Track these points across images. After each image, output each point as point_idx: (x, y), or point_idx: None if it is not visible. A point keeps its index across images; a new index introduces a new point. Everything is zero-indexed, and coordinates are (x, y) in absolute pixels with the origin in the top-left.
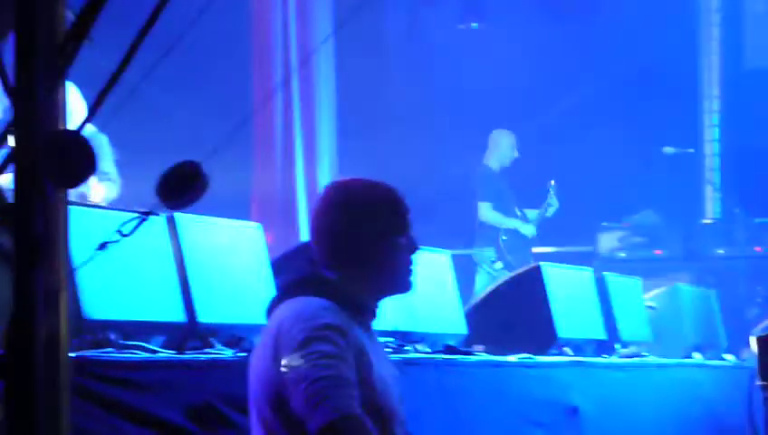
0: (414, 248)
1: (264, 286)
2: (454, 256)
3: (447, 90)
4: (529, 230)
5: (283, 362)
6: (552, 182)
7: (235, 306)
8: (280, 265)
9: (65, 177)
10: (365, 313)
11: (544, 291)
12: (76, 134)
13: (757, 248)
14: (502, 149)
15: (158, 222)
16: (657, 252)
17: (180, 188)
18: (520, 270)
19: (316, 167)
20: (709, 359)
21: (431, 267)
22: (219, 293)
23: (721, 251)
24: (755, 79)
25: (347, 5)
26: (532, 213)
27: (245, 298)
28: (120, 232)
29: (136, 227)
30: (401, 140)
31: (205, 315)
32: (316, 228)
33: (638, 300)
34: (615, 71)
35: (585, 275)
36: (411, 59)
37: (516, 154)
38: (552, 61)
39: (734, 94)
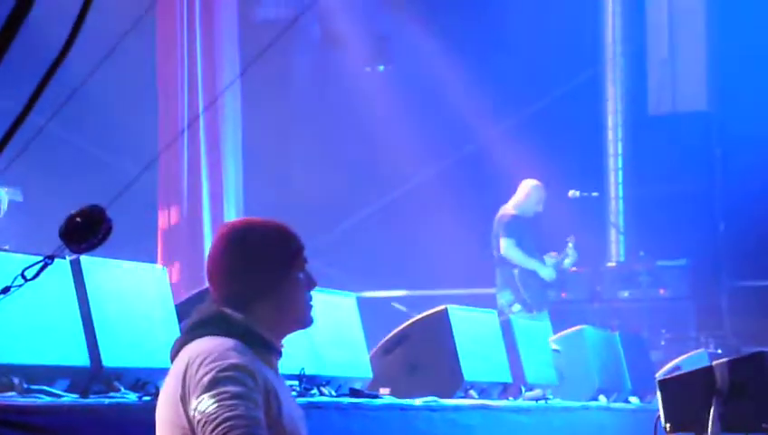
0: (312, 284)
1: (169, 329)
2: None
3: (355, 131)
4: (548, 273)
5: (191, 404)
6: (573, 238)
7: (141, 350)
8: (184, 308)
9: None
10: (271, 351)
11: (450, 334)
12: None
13: (661, 291)
14: (530, 200)
15: (61, 265)
16: (563, 295)
17: (85, 233)
18: (426, 312)
19: (223, 207)
20: (614, 402)
21: (336, 310)
22: (124, 336)
23: (625, 294)
24: (658, 124)
25: (254, 47)
26: (549, 261)
27: (150, 341)
28: (23, 276)
29: (40, 271)
30: (309, 181)
31: (109, 359)
32: (213, 270)
33: (543, 343)
34: (518, 111)
35: (491, 317)
36: (318, 100)
37: (541, 209)
38: (454, 100)
39: (637, 139)
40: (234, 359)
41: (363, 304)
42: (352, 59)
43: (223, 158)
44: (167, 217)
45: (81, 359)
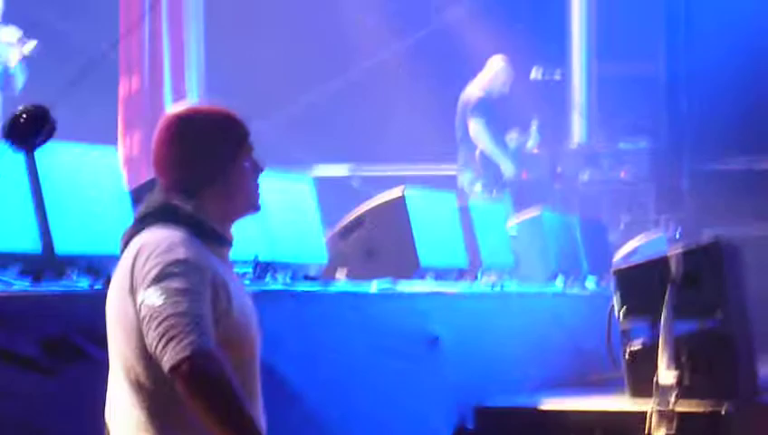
0: (258, 170)
1: (122, 215)
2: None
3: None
4: (508, 169)
5: (138, 296)
6: (536, 119)
7: (93, 236)
8: (138, 194)
9: None
10: (221, 241)
11: (407, 219)
12: None
13: (622, 173)
14: (498, 80)
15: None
16: (524, 175)
17: (28, 133)
18: (383, 196)
19: (184, 76)
20: (571, 284)
21: (292, 194)
22: (76, 222)
23: (586, 175)
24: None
25: None
26: (510, 143)
27: (103, 228)
28: None
29: None
30: (272, 52)
31: (61, 245)
32: (159, 159)
33: (501, 226)
34: None
35: (449, 199)
36: None
37: (507, 90)
38: None
39: (600, 15)
40: (181, 253)
41: (322, 183)
42: None
43: (184, 26)
44: (127, 86)
45: (32, 245)
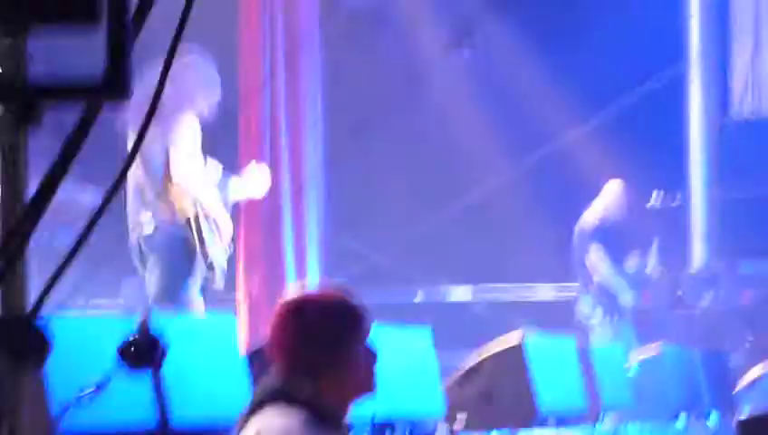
0: (372, 357)
1: (239, 384)
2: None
3: (435, 122)
4: (627, 299)
5: None
6: (657, 240)
7: (210, 410)
8: (253, 360)
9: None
10: (339, 421)
11: (526, 364)
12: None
13: (744, 295)
14: (615, 204)
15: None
16: (645, 300)
17: (140, 358)
18: (504, 342)
19: (302, 163)
20: (693, 422)
21: (410, 345)
22: (193, 395)
23: (708, 299)
24: (741, 127)
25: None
26: (631, 263)
27: (221, 400)
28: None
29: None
30: (388, 174)
31: (178, 420)
32: (278, 342)
33: (621, 366)
34: (600, 110)
35: (568, 343)
36: (400, 87)
37: (625, 214)
38: (534, 96)
39: (721, 142)
40: None
41: (446, 308)
42: (434, 44)
43: (303, 143)
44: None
45: (148, 421)
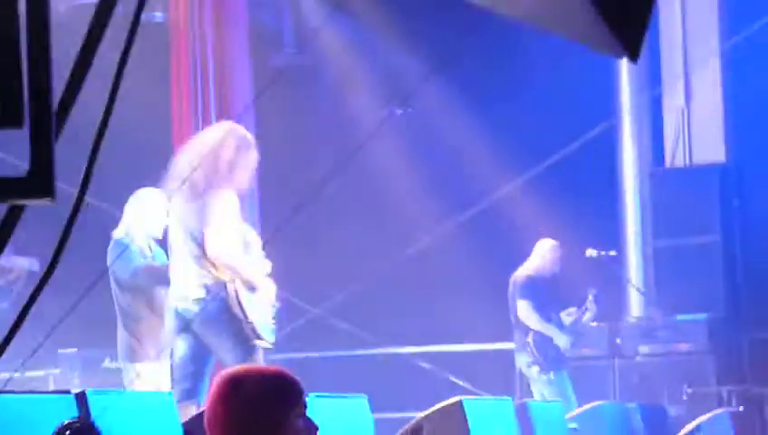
0: (313, 429)
1: None
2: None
3: (368, 179)
4: (563, 341)
5: None
6: (593, 291)
7: None
8: (188, 430)
9: None
10: None
11: (466, 425)
12: None
13: (681, 345)
14: (546, 260)
15: (66, 399)
16: (584, 350)
17: None
18: (442, 403)
19: None
20: None
21: (347, 413)
22: None
23: (646, 348)
24: (674, 176)
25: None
26: (567, 319)
27: None
28: None
29: None
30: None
31: None
32: (213, 418)
33: (560, 423)
34: (534, 164)
35: (506, 404)
36: (333, 140)
37: (557, 269)
38: (471, 149)
39: (654, 192)
40: None
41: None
42: (368, 102)
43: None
44: None
45: None
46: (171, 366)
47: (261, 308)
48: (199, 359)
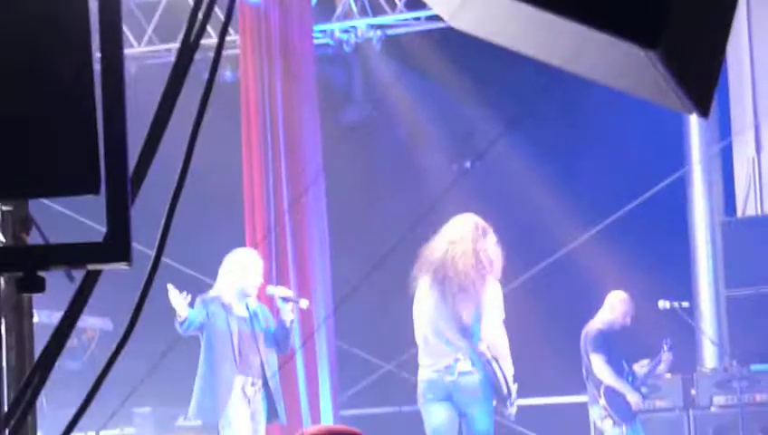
0: None
1: None
2: None
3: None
4: (635, 398)
5: None
6: (668, 341)
7: None
8: None
9: None
10: None
11: None
12: None
13: (757, 396)
14: (617, 313)
15: None
16: (657, 402)
17: None
18: None
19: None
20: None
21: None
22: None
23: (721, 399)
24: (746, 226)
25: (337, 148)
26: (640, 371)
27: None
28: None
29: None
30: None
31: None
32: None
33: None
34: (604, 216)
35: None
36: (403, 196)
37: (628, 322)
38: (542, 202)
39: (726, 242)
40: None
41: None
42: (437, 157)
43: (309, 256)
44: None
45: None
46: None
47: None
48: None
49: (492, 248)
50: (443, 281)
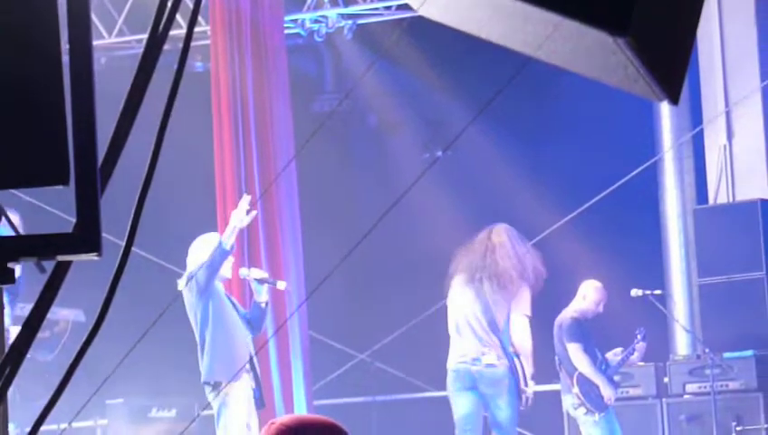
0: None
1: None
2: None
3: (409, 221)
4: (608, 392)
5: None
6: (642, 330)
7: None
8: None
9: None
10: None
11: None
12: None
13: (729, 383)
14: (590, 302)
15: None
16: (630, 391)
17: None
18: None
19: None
20: None
21: None
22: None
23: (693, 387)
24: (718, 214)
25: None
26: (614, 359)
27: None
28: None
29: None
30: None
31: None
32: None
33: None
34: (575, 205)
35: None
36: (375, 184)
37: (601, 310)
38: (513, 190)
39: (698, 230)
40: None
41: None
42: (409, 145)
43: (282, 250)
44: None
45: None
46: None
47: None
48: None
49: (530, 256)
50: (481, 280)
